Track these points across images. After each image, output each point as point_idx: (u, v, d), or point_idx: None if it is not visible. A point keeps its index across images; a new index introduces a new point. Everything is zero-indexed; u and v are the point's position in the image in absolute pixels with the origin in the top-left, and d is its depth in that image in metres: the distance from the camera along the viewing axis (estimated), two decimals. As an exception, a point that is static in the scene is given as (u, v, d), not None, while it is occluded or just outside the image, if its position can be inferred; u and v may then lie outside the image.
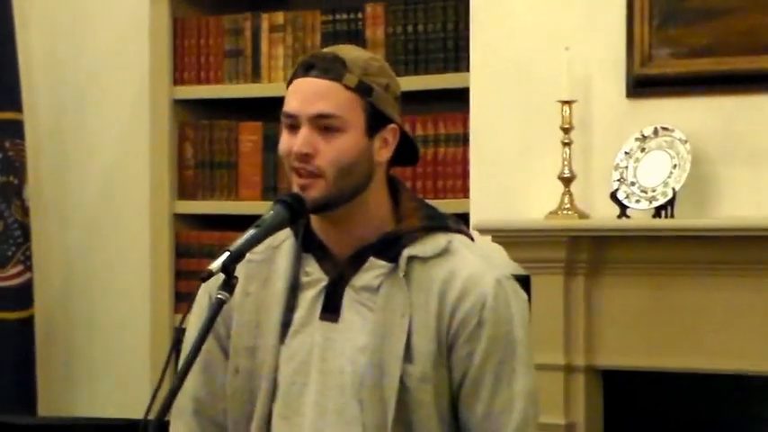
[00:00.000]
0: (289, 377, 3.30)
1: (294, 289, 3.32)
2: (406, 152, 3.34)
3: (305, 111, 3.21)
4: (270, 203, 3.26)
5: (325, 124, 3.20)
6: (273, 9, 6.04)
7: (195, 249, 6.03)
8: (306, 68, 3.25)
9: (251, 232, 3.17)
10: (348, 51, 3.31)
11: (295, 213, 3.22)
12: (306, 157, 3.20)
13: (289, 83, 3.29)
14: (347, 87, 3.21)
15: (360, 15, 5.81)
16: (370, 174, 3.25)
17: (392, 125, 3.25)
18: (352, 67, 3.23)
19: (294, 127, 3.22)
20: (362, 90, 3.22)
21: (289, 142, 3.23)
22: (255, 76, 6.04)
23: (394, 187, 3.33)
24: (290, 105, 3.23)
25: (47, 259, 6.48)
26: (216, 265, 3.06)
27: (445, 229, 3.31)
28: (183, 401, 3.40)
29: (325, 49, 3.34)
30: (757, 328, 4.38)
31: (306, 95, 3.22)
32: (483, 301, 3.23)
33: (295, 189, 3.22)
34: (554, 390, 4.79)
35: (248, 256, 3.21)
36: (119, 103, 6.38)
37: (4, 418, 5.72)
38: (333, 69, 3.22)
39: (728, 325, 4.67)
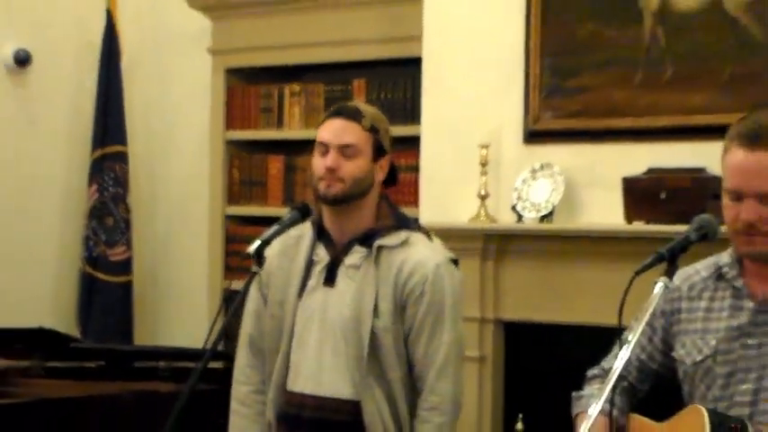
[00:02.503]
0: (302, 322, 3.32)
1: (309, 265, 3.33)
2: (391, 178, 3.38)
3: (334, 141, 3.26)
4: (287, 209, 3.29)
5: (347, 151, 3.24)
6: (292, 81, 6.00)
7: (239, 238, 6.02)
8: (336, 113, 3.30)
9: (275, 227, 3.20)
10: (364, 106, 3.39)
11: (304, 215, 3.27)
12: (333, 171, 3.23)
13: (322, 122, 3.31)
14: (363, 127, 3.25)
15: (349, 87, 5.80)
16: (371, 186, 3.30)
17: (388, 156, 3.30)
18: (366, 115, 3.29)
19: (325, 152, 3.24)
20: (373, 130, 3.28)
21: (320, 162, 3.26)
22: (280, 125, 6.02)
23: (379, 197, 3.35)
24: (324, 137, 3.28)
25: (140, 243, 6.47)
26: (252, 248, 3.07)
27: (407, 228, 3.33)
28: (243, 337, 3.46)
29: (348, 103, 3.45)
30: (607, 295, 4.36)
31: (335, 131, 3.26)
32: (425, 278, 3.26)
33: (322, 189, 3.24)
34: (472, 334, 4.77)
35: (284, 240, 3.27)
36: (191, 141, 6.38)
37: (114, 345, 5.71)
38: (354, 115, 3.28)
39: (589, 292, 4.66)
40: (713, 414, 2.60)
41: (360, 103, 3.43)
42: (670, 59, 4.63)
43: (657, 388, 2.97)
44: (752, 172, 2.59)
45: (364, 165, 3.24)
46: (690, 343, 2.76)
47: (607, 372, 2.80)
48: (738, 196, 2.61)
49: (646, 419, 2.86)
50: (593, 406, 2.44)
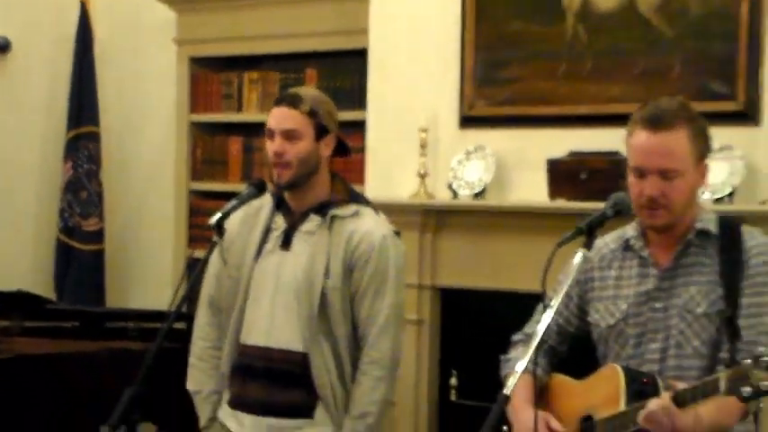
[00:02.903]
0: (258, 282, 3.33)
1: (267, 231, 3.35)
2: (342, 150, 3.38)
3: (278, 127, 3.28)
4: (245, 185, 3.31)
5: (289, 135, 3.24)
6: (251, 70, 5.98)
7: (202, 211, 5.98)
8: (279, 101, 3.33)
9: (234, 201, 3.23)
10: (305, 90, 3.38)
11: (260, 190, 3.29)
12: (280, 155, 3.25)
13: (270, 111, 3.32)
14: (302, 113, 3.26)
15: (302, 75, 5.78)
16: (318, 164, 3.32)
17: (331, 134, 3.30)
18: (305, 100, 3.28)
19: (272, 137, 3.26)
20: (312, 114, 3.27)
21: (270, 147, 3.28)
22: (239, 109, 6.00)
23: (333, 175, 3.36)
24: (270, 124, 3.32)
25: (112, 215, 6.43)
26: (213, 220, 3.11)
27: (357, 202, 3.35)
28: (204, 297, 3.48)
29: (291, 89, 3.40)
30: (532, 264, 4.39)
31: (278, 118, 3.29)
32: (372, 247, 3.28)
33: (275, 177, 3.27)
34: (411, 299, 4.78)
35: (246, 210, 3.28)
36: (158, 123, 6.34)
37: (87, 307, 5.68)
38: (294, 102, 3.28)
39: (516, 262, 4.69)
40: (627, 370, 2.65)
41: (303, 88, 3.41)
42: (590, 54, 4.66)
43: (575, 349, 3.01)
44: (653, 151, 2.65)
45: (308, 145, 3.26)
46: (603, 308, 2.80)
47: (529, 336, 2.89)
48: (642, 173, 2.67)
49: (566, 377, 2.89)
50: (519, 364, 2.48)
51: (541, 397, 2.87)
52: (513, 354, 2.96)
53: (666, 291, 2.71)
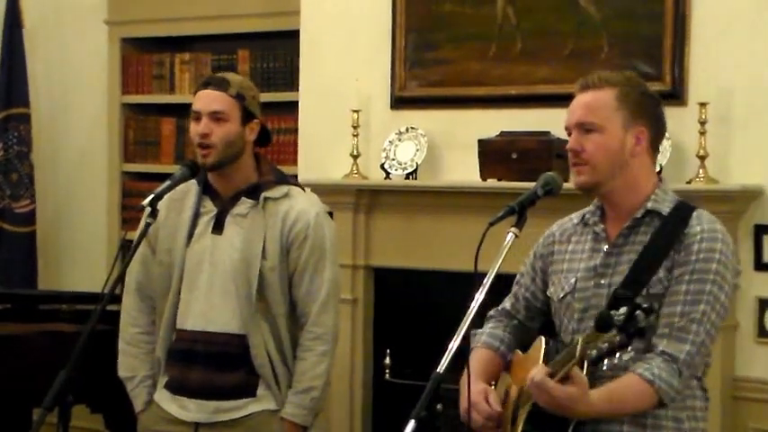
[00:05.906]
0: (191, 267, 3.31)
1: (196, 216, 3.34)
2: (264, 138, 3.37)
3: (205, 109, 3.26)
4: (178, 166, 3.29)
5: (216, 117, 3.24)
6: (182, 51, 5.93)
7: (134, 192, 5.94)
8: (206, 84, 3.31)
9: (167, 183, 3.22)
10: (231, 76, 3.36)
11: (193, 172, 3.28)
12: (206, 137, 3.24)
13: (195, 93, 3.32)
14: (230, 95, 3.26)
15: (234, 56, 5.74)
16: (243, 147, 3.31)
17: (256, 120, 3.30)
18: (233, 84, 3.28)
19: (198, 119, 3.24)
20: (239, 97, 3.27)
21: (195, 129, 3.27)
22: (171, 90, 5.95)
23: (258, 157, 3.36)
24: (196, 106, 3.29)
25: (44, 197, 6.34)
26: (146, 201, 3.08)
27: (286, 182, 3.36)
28: (130, 283, 3.44)
29: (217, 74, 3.39)
30: (464, 244, 4.40)
31: (205, 100, 3.27)
32: (308, 224, 3.30)
33: (200, 159, 3.25)
34: (345, 279, 4.75)
35: (171, 195, 3.26)
36: (90, 104, 6.26)
37: (19, 290, 5.61)
38: (221, 85, 3.28)
39: (448, 241, 4.69)
40: (549, 341, 2.70)
41: (228, 74, 3.40)
42: (519, 36, 4.67)
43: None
44: (575, 107, 2.70)
45: (234, 128, 3.25)
46: (557, 281, 2.81)
47: (500, 312, 2.96)
48: (569, 132, 2.72)
49: (521, 354, 2.90)
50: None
51: (508, 372, 2.89)
52: (483, 329, 2.96)
53: (611, 267, 2.70)
